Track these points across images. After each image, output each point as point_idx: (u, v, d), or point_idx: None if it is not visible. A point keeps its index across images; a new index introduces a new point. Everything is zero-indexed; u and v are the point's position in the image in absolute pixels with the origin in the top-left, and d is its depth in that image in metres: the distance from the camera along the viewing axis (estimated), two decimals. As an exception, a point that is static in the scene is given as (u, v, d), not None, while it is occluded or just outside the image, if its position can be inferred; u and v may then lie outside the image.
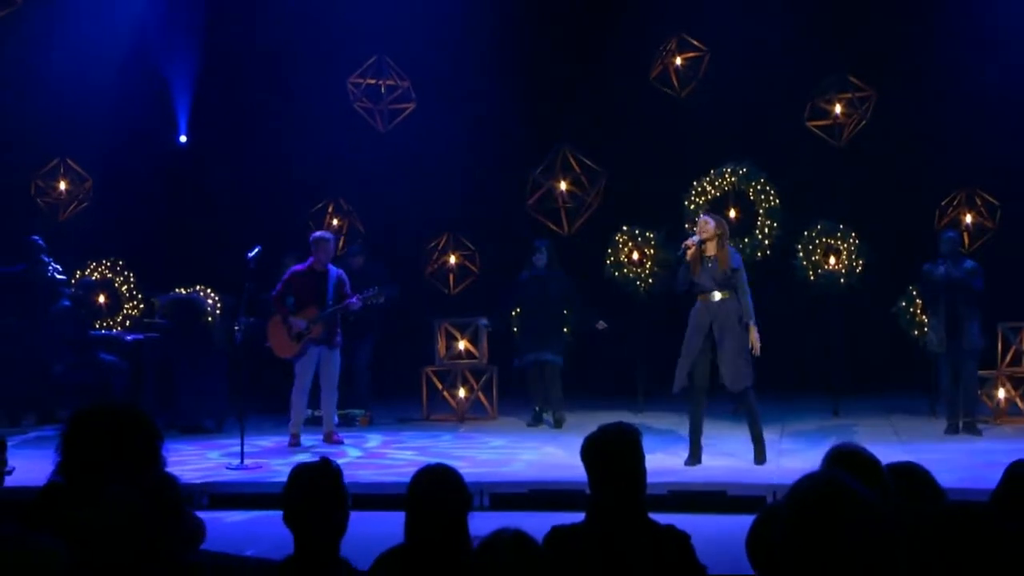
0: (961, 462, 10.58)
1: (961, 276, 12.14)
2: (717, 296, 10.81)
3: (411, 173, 15.54)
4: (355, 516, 4.45)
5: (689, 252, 10.73)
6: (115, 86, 15.59)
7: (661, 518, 4.76)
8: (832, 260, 14.74)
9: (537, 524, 4.35)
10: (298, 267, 12.48)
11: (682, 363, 10.87)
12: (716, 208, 15.18)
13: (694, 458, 10.84)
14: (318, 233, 12.78)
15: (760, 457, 10.83)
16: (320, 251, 12.41)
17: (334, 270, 12.46)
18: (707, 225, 10.93)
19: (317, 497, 4.27)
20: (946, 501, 4.62)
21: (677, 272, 11.14)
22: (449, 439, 12.77)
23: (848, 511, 3.30)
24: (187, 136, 16.15)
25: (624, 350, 14.69)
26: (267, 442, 12.34)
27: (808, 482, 3.55)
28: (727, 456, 11.13)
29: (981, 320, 12.52)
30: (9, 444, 5.37)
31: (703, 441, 10.90)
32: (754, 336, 10.70)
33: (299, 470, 4.37)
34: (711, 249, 10.87)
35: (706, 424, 11.03)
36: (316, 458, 4.45)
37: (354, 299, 12.51)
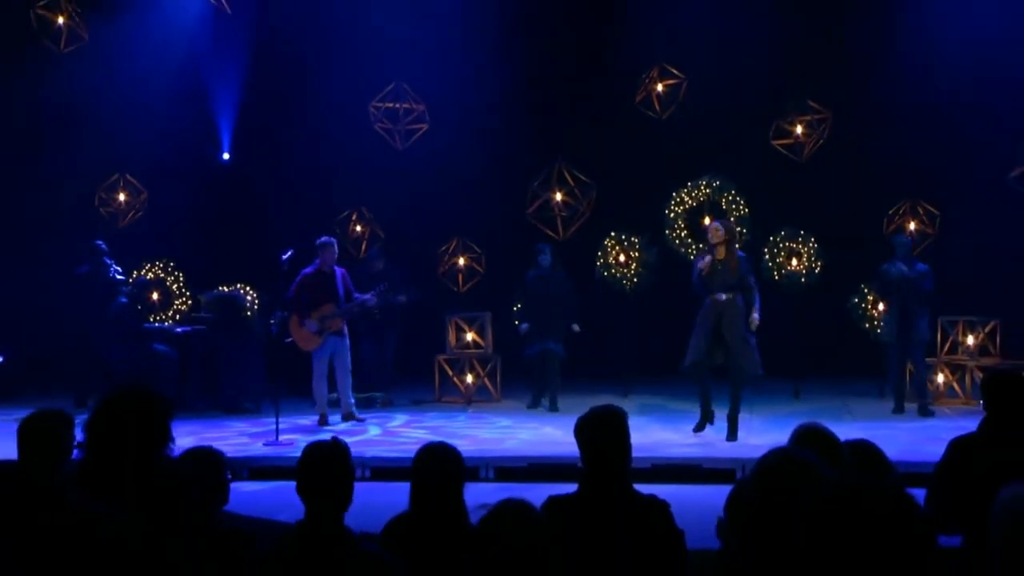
0: (906, 438, 10.67)
1: (914, 277, 12.15)
2: (724, 296, 10.96)
3: (424, 185, 15.50)
4: (374, 486, 4.45)
5: (705, 270, 10.80)
6: (168, 110, 15.54)
7: (644, 488, 4.77)
8: (794, 262, 14.77)
9: (535, 494, 4.33)
10: (307, 270, 12.48)
11: (693, 345, 11.03)
12: (692, 216, 15.24)
13: (705, 421, 11.15)
14: (323, 238, 12.78)
15: (732, 435, 10.97)
16: (326, 254, 12.46)
17: (339, 269, 12.51)
18: (718, 232, 11.03)
19: (325, 472, 4.25)
20: (894, 473, 4.69)
21: (694, 283, 11.20)
22: (463, 419, 12.79)
23: (803, 479, 3.32)
24: (229, 154, 16.12)
25: (612, 340, 14.70)
26: (300, 421, 12.37)
27: (771, 456, 3.58)
28: (702, 435, 11.21)
29: (930, 315, 12.53)
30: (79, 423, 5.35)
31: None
32: (754, 317, 11.01)
33: (310, 448, 4.35)
34: (721, 253, 10.95)
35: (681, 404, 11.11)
36: (332, 437, 4.44)
37: (369, 296, 12.57)
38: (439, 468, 4.73)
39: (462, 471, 4.76)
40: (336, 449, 4.33)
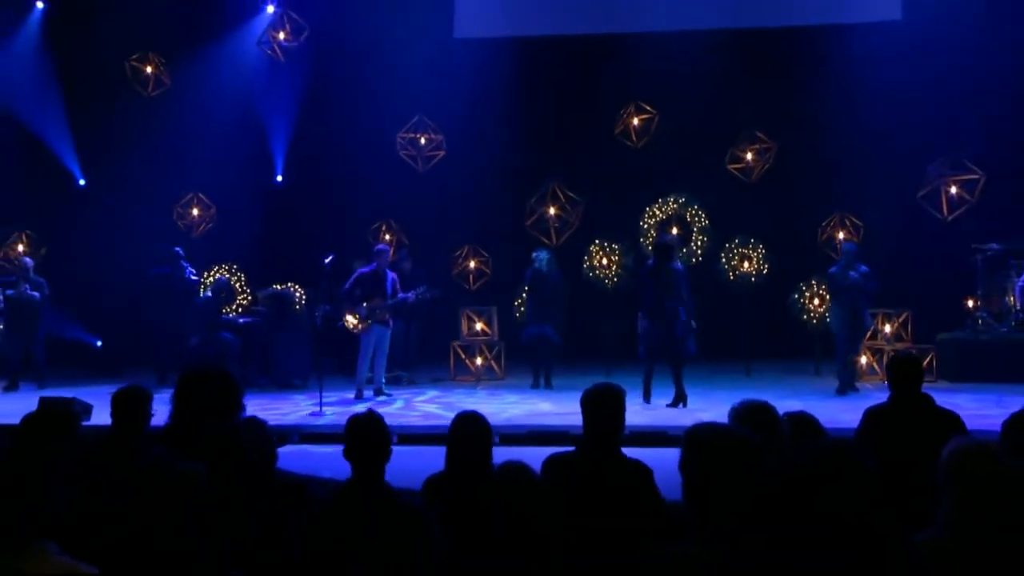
0: (836, 408, 10.62)
1: (859, 278, 12.07)
2: (667, 299, 11.30)
3: (441, 201, 15.47)
4: (401, 451, 4.48)
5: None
6: (232, 141, 15.55)
7: (625, 451, 4.74)
8: (745, 264, 14.85)
9: (532, 456, 4.32)
10: (364, 269, 12.55)
11: (643, 337, 11.43)
12: (662, 227, 15.31)
13: (647, 397, 11.35)
14: (380, 246, 12.99)
15: (681, 401, 11.36)
16: (380, 259, 12.57)
17: (390, 273, 12.57)
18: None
19: (366, 438, 4.23)
20: (826, 438, 4.58)
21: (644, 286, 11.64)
22: (474, 395, 12.73)
23: (720, 442, 3.34)
24: (282, 176, 16.17)
25: (596, 328, 14.75)
26: (339, 396, 12.36)
27: (696, 428, 3.59)
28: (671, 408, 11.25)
29: (869, 309, 12.49)
30: (156, 397, 5.44)
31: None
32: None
33: (353, 419, 4.34)
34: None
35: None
36: (367, 409, 4.44)
37: (409, 295, 12.66)
38: (474, 433, 4.70)
39: (491, 436, 4.73)
40: (373, 419, 4.32)
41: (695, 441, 3.42)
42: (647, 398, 11.39)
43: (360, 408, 4.62)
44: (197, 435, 4.55)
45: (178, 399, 5.07)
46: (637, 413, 10.66)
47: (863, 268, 12.19)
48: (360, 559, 3.89)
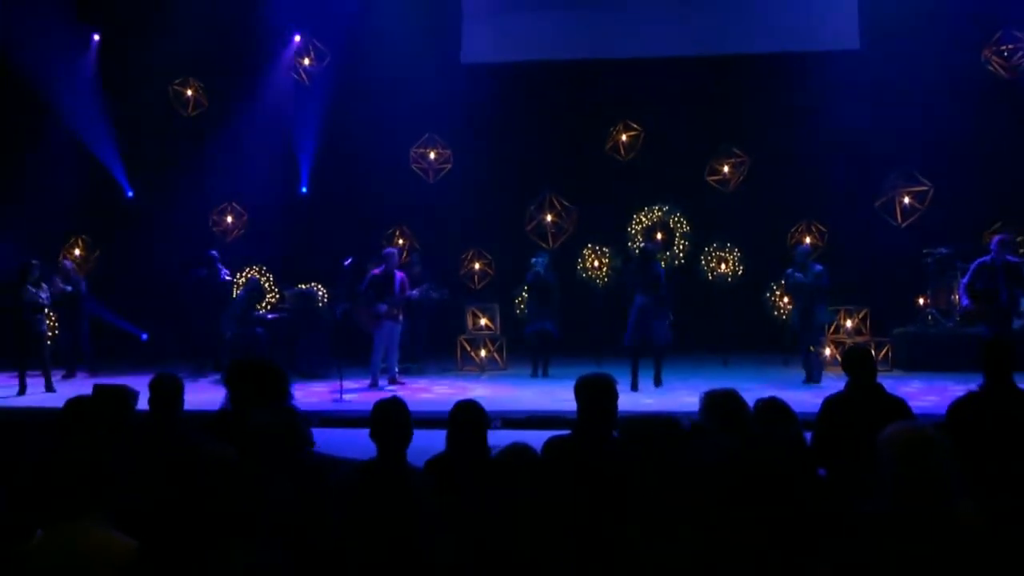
0: (802, 395, 10.63)
1: (811, 280, 12.05)
2: (651, 294, 11.41)
3: (449, 209, 15.47)
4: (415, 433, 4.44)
5: None
6: (262, 155, 15.57)
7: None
8: (723, 266, 14.90)
9: (533, 438, 4.22)
10: (375, 271, 12.43)
11: (634, 328, 11.51)
12: (647, 233, 15.36)
13: (635, 387, 11.40)
14: (388, 250, 12.83)
15: (658, 383, 11.57)
16: (389, 261, 12.44)
17: (399, 274, 12.45)
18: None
19: (390, 421, 4.21)
20: (796, 421, 4.60)
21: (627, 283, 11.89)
22: (479, 383, 12.71)
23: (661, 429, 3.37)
24: (307, 187, 16.21)
25: (588, 323, 14.79)
26: (357, 384, 12.30)
27: (639, 417, 3.61)
28: (653, 395, 11.27)
29: (827, 305, 12.45)
30: (192, 385, 5.42)
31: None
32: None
33: (379, 404, 4.29)
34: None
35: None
36: (388, 396, 4.38)
37: (414, 292, 12.62)
38: (470, 418, 4.62)
39: (487, 421, 4.65)
40: (397, 404, 4.29)
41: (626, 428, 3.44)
42: (635, 387, 11.41)
43: (375, 395, 4.63)
44: (248, 419, 4.49)
45: (231, 386, 5.07)
46: (626, 402, 10.70)
47: (817, 268, 12.07)
48: (380, 530, 3.87)
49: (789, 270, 12.34)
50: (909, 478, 3.24)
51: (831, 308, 13.12)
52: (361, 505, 3.96)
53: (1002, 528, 3.28)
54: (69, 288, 13.30)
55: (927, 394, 10.52)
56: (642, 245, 13.02)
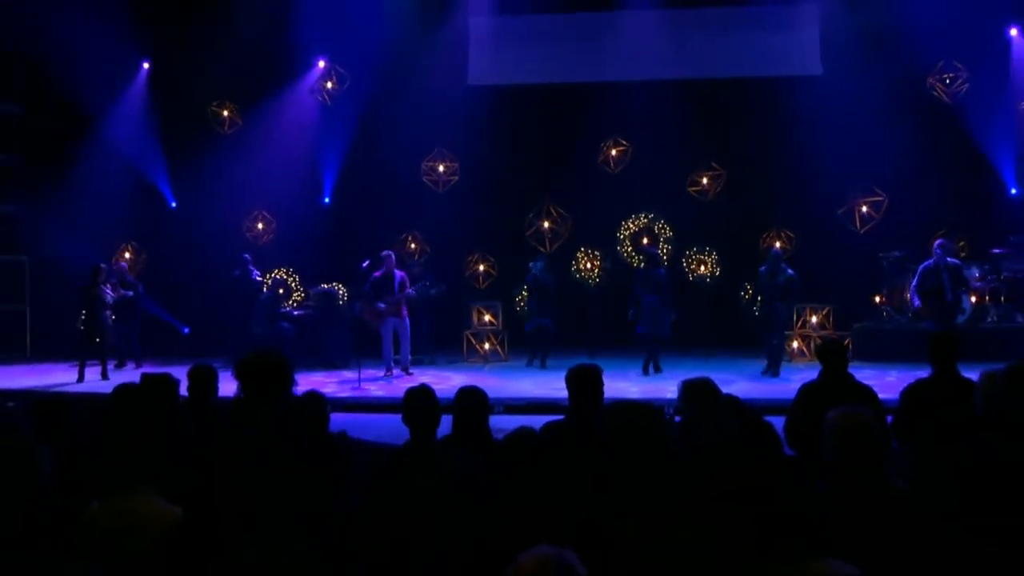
0: (765, 385, 10.64)
1: (783, 280, 11.93)
2: (657, 294, 11.85)
3: (456, 216, 15.39)
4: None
5: None
6: (289, 168, 15.60)
7: None
8: (702, 268, 14.93)
9: (533, 422, 4.23)
10: (376, 273, 12.32)
11: (651, 322, 11.90)
12: (635, 238, 15.39)
13: (646, 371, 11.90)
14: (385, 252, 12.65)
15: (658, 369, 11.86)
16: (388, 263, 12.35)
17: (398, 273, 12.36)
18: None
19: (421, 407, 4.14)
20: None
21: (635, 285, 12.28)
22: (483, 373, 12.73)
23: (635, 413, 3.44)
24: (329, 198, 16.22)
25: (582, 318, 14.81)
26: (373, 374, 12.37)
27: (617, 402, 3.64)
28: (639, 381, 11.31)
29: (784, 303, 12.43)
30: (224, 374, 5.43)
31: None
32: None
33: (410, 391, 4.20)
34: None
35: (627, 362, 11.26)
36: (418, 384, 4.28)
37: (410, 291, 12.49)
38: (472, 403, 4.54)
39: (487, 405, 4.60)
40: (426, 392, 4.22)
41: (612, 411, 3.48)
42: (646, 372, 11.88)
43: (393, 385, 4.62)
44: (261, 405, 4.49)
45: (240, 378, 5.08)
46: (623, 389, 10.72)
47: (789, 272, 11.98)
48: (417, 505, 3.86)
49: (762, 268, 12.33)
50: (848, 456, 3.28)
51: (798, 305, 13.17)
52: (395, 481, 3.86)
53: (934, 501, 3.28)
54: (131, 293, 13.43)
55: (881, 380, 10.51)
56: (648, 253, 13.02)
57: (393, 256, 12.68)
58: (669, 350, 12.72)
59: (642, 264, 12.92)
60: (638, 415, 3.37)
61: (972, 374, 4.97)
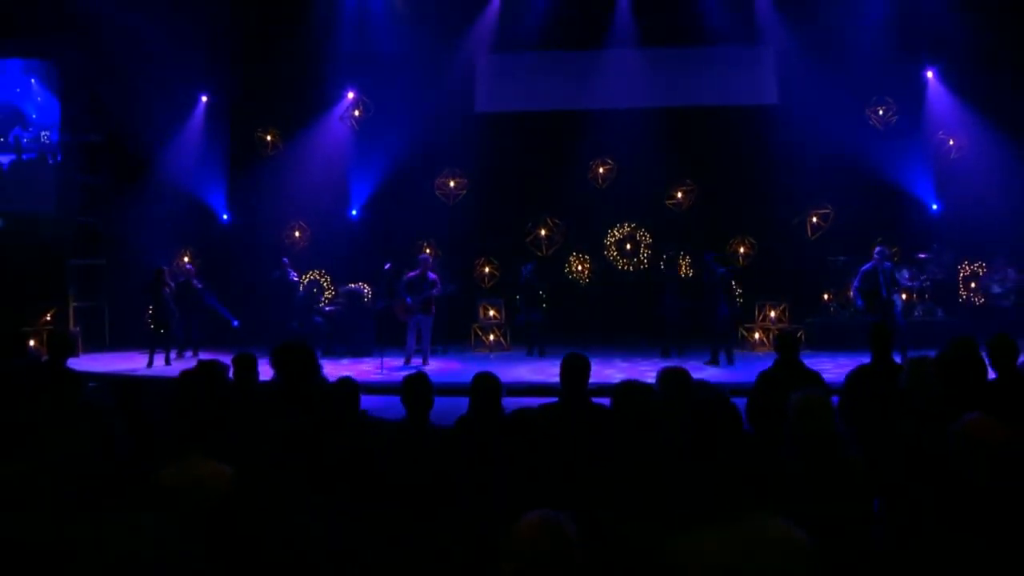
0: (735, 371, 10.63)
1: (717, 278, 11.72)
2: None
3: (465, 225, 15.38)
4: (439, 400, 4.44)
5: None
6: (321, 184, 15.59)
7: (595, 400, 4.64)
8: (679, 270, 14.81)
9: (530, 404, 4.33)
10: (411, 274, 12.40)
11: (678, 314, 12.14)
12: (620, 244, 15.33)
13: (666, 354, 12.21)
14: (422, 256, 12.82)
15: (667, 354, 12.06)
16: (423, 265, 12.43)
17: (431, 275, 12.41)
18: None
19: (416, 390, 4.18)
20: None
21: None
22: (488, 361, 12.73)
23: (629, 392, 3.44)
24: (356, 211, 16.19)
25: (575, 314, 14.80)
26: (396, 362, 12.23)
27: (622, 384, 3.67)
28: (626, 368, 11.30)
29: (724, 300, 12.00)
30: (264, 362, 5.44)
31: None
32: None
33: (407, 377, 4.29)
34: None
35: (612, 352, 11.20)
36: (414, 371, 4.41)
37: (436, 290, 12.53)
38: (488, 386, 4.51)
39: (501, 388, 4.56)
40: (421, 378, 4.26)
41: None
42: (666, 354, 12.08)
43: (407, 370, 4.64)
44: (294, 388, 4.55)
45: (274, 366, 5.04)
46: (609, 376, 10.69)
47: (720, 270, 11.92)
48: (411, 474, 3.90)
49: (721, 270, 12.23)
50: (807, 432, 3.32)
51: (760, 301, 13.17)
52: (392, 454, 3.92)
53: (882, 473, 3.32)
54: (199, 285, 13.41)
55: (828, 365, 10.55)
56: (667, 257, 13.35)
57: (429, 259, 12.64)
58: (649, 342, 12.63)
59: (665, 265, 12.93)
60: (636, 392, 3.62)
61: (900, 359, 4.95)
